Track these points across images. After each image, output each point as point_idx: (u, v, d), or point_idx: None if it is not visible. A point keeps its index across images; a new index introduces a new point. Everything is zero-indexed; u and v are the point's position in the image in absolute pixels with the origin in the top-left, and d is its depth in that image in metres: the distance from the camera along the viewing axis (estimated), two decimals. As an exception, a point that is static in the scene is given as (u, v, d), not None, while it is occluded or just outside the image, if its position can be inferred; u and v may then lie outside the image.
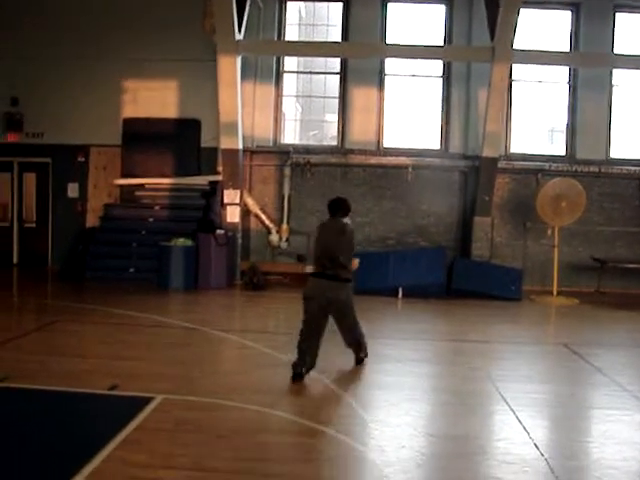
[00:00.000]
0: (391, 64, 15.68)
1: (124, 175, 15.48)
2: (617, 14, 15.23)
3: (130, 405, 6.16)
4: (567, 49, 15.30)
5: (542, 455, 5.30)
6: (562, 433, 6.09)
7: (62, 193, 15.88)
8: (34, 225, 16.24)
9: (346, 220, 7.58)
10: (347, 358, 8.05)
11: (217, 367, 8.10)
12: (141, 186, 15.38)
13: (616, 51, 15.10)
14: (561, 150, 15.64)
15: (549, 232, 14.03)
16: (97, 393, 6.51)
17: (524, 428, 5.90)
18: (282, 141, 15.90)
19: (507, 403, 6.62)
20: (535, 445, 5.51)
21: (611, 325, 11.71)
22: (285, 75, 16.07)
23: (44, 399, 6.40)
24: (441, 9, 15.54)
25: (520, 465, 5.10)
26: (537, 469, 5.04)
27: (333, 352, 7.98)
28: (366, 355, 8.03)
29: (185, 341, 9.08)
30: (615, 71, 15.34)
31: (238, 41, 13.98)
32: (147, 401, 6.20)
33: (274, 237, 15.23)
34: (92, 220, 15.63)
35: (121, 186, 15.52)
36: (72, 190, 15.86)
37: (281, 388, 7.07)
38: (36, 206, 16.26)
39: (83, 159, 15.77)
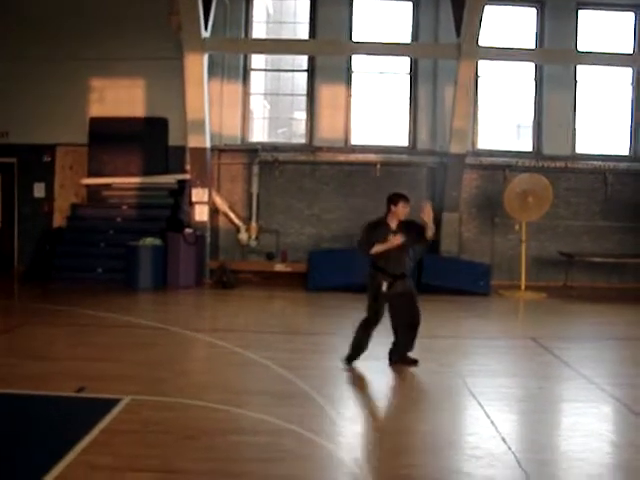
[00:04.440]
0: (358, 61, 15.70)
1: (91, 175, 15.30)
2: (580, 11, 15.43)
3: (98, 407, 6.08)
4: (532, 46, 15.46)
5: (510, 449, 5.34)
6: (530, 426, 6.15)
7: (28, 193, 15.66)
8: (-1, 225, 16.03)
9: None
10: (318, 357, 8.07)
11: (186, 367, 8.04)
12: (108, 185, 15.20)
13: (580, 48, 15.30)
14: (528, 146, 15.80)
15: (517, 227, 14.16)
16: (64, 396, 6.44)
17: (492, 422, 5.95)
18: (250, 139, 15.84)
19: (475, 398, 6.66)
20: (503, 439, 5.54)
21: (578, 319, 11.87)
22: (252, 73, 16.01)
23: (10, 403, 6.30)
24: (408, 6, 15.59)
25: (488, 459, 5.13)
26: (505, 463, 5.08)
27: (305, 350, 7.98)
28: (347, 362, 7.83)
29: (154, 341, 9.00)
30: (579, 67, 15.53)
31: (204, 39, 13.90)
32: (115, 402, 6.13)
33: (243, 235, 15.17)
34: (59, 220, 15.45)
35: (88, 186, 15.32)
36: (38, 190, 15.65)
37: (251, 387, 7.06)
38: (1, 206, 15.97)
39: (49, 159, 15.56)
